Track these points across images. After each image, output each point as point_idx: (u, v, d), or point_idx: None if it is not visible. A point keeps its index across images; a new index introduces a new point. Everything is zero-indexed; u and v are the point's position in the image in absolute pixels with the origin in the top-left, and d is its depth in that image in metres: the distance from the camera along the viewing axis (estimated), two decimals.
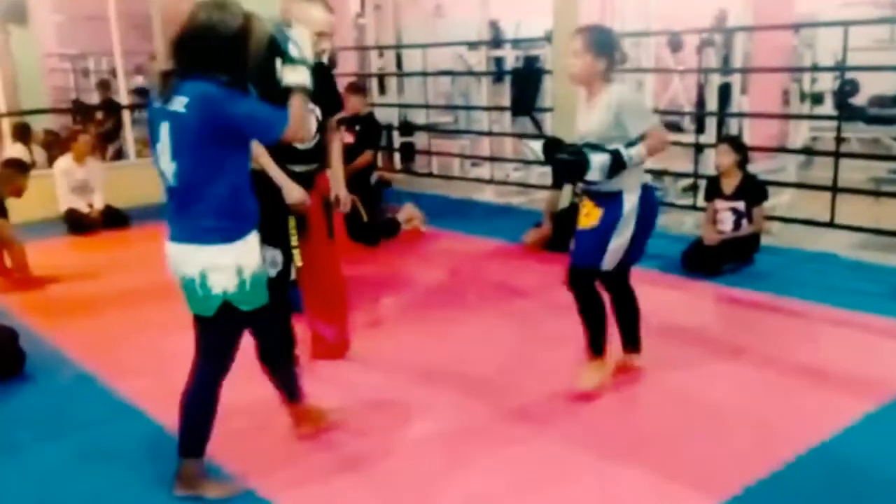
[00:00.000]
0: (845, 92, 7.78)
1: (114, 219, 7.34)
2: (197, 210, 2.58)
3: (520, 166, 9.03)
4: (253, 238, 2.68)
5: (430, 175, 9.35)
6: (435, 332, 4.48)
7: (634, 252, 3.46)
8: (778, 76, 8.10)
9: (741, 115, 7.77)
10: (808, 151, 8.14)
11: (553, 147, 3.47)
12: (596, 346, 3.52)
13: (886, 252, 5.63)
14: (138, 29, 10.48)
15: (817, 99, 8.81)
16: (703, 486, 2.81)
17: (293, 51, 2.64)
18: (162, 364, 4.04)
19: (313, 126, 3.50)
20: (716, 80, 7.34)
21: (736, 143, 5.67)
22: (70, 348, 4.31)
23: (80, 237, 7.12)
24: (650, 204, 3.44)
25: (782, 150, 7.60)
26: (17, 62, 10.37)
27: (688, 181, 7.16)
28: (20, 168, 5.85)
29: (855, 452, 3.02)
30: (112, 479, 2.99)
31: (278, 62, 2.69)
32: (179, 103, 2.48)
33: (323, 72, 3.51)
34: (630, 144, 3.27)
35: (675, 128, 9.59)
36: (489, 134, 8.92)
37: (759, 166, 6.60)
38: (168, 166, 2.56)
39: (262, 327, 2.88)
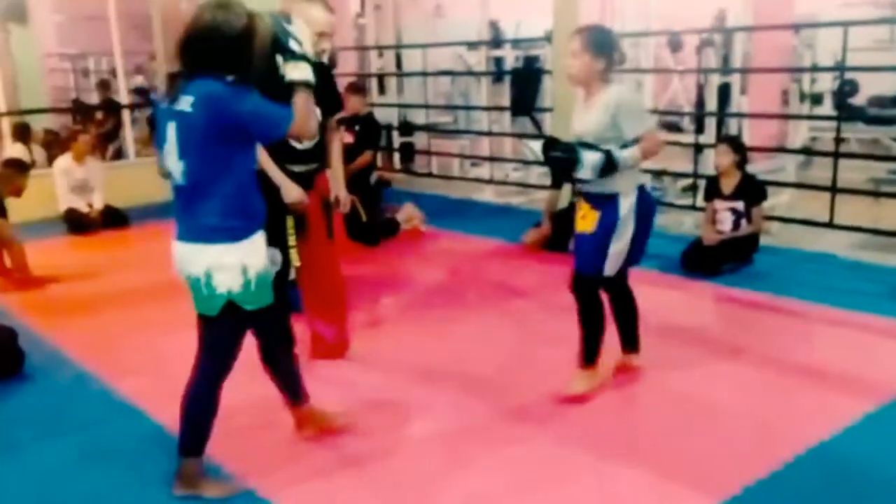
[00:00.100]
0: (845, 92, 7.78)
1: (113, 218, 7.34)
2: (203, 209, 2.58)
3: (519, 166, 9.03)
4: (259, 238, 2.68)
5: (429, 175, 9.35)
6: (434, 331, 4.48)
7: (634, 254, 3.45)
8: (777, 76, 8.10)
9: (740, 115, 7.77)
10: (807, 152, 8.14)
11: (552, 147, 3.47)
12: (589, 355, 3.52)
13: (885, 252, 5.63)
14: (138, 29, 10.48)
15: (817, 99, 8.81)
16: (703, 485, 2.81)
17: (294, 47, 2.64)
18: (161, 363, 4.05)
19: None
20: (715, 81, 7.34)
21: (735, 144, 5.67)
22: (69, 348, 4.32)
23: (80, 237, 7.12)
24: (647, 205, 3.43)
25: (781, 150, 7.61)
26: (17, 62, 10.37)
27: (687, 181, 7.17)
28: (20, 168, 5.85)
29: (854, 453, 3.03)
30: (111, 479, 2.99)
31: (279, 59, 2.70)
32: (185, 103, 2.49)
33: (323, 72, 3.51)
34: (625, 146, 3.26)
35: (675, 128, 9.61)
36: (489, 134, 8.92)
37: (759, 166, 6.60)
38: (175, 166, 2.58)
39: (265, 327, 2.89)
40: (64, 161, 7.34)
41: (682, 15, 9.46)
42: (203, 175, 2.56)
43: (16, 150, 7.80)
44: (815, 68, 8.43)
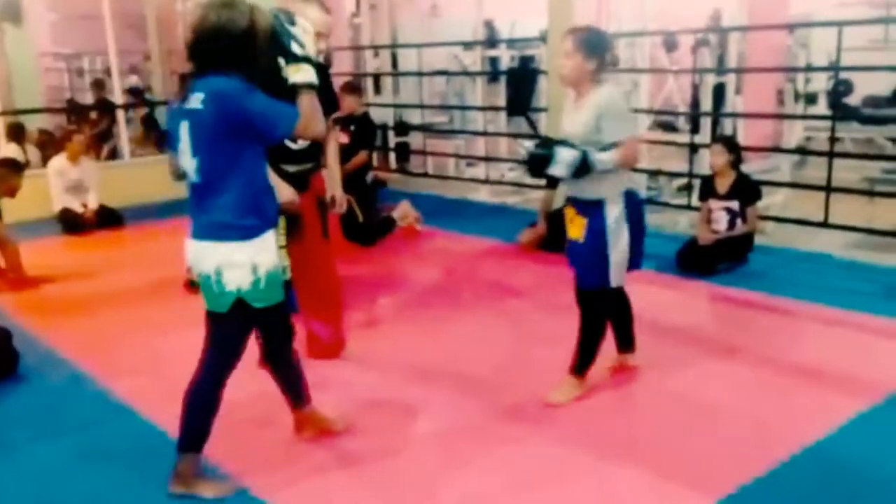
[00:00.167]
0: (839, 92, 7.81)
1: (108, 219, 7.32)
2: (216, 206, 2.62)
3: (515, 166, 9.03)
4: (270, 236, 2.71)
5: (425, 175, 9.34)
6: (430, 331, 4.48)
7: (633, 258, 3.42)
8: (772, 76, 8.12)
9: (735, 115, 7.78)
10: (802, 151, 8.16)
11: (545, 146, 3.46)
12: (581, 367, 3.51)
13: (880, 252, 5.65)
14: (133, 28, 10.48)
15: (811, 99, 8.84)
16: (700, 484, 2.82)
17: (296, 49, 2.65)
18: (156, 364, 4.04)
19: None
20: (710, 80, 7.35)
21: (730, 143, 5.68)
22: (64, 348, 4.30)
23: (75, 237, 7.10)
24: (637, 211, 3.40)
25: (776, 149, 7.62)
26: (11, 61, 10.35)
27: (682, 181, 7.17)
28: (14, 168, 5.82)
29: (849, 451, 3.03)
30: (106, 480, 2.99)
31: (281, 61, 2.70)
32: (196, 100, 2.55)
33: (320, 71, 3.50)
34: (605, 149, 3.23)
35: (670, 128, 9.62)
36: (484, 134, 8.92)
37: (754, 166, 6.61)
38: (189, 163, 2.62)
39: (272, 325, 2.90)
40: (58, 161, 7.32)
41: (677, 15, 9.48)
42: (215, 171, 2.60)
43: (10, 150, 7.79)
44: (809, 68, 8.45)
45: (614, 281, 3.37)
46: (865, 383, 3.60)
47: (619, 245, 3.32)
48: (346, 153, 6.02)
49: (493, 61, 9.93)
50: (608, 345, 3.63)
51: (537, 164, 3.32)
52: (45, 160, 8.02)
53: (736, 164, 5.54)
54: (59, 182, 7.25)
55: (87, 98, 12.09)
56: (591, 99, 3.30)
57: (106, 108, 10.10)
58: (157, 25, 11.64)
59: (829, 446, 3.06)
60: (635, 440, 3.18)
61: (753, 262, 5.48)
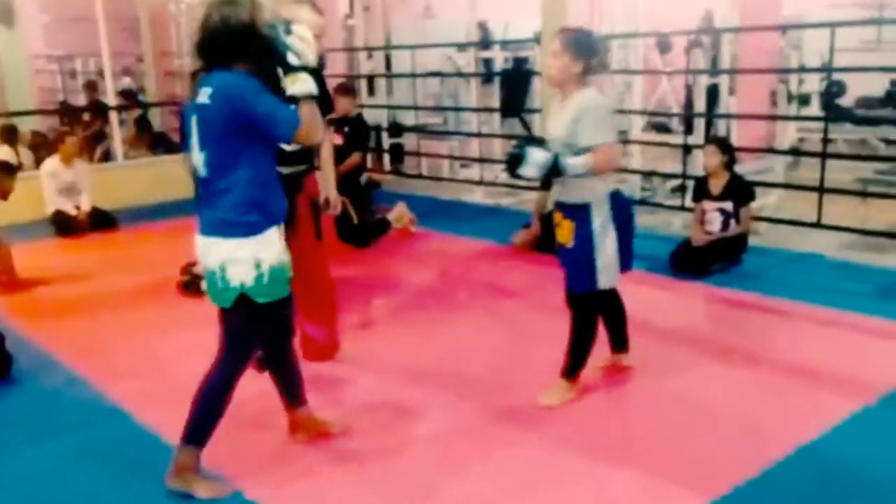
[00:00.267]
0: (832, 93, 7.83)
1: (101, 221, 7.30)
2: (222, 202, 2.68)
3: None
4: (273, 232, 2.74)
5: (419, 176, 9.34)
6: (425, 332, 4.48)
7: (624, 260, 3.42)
8: (765, 77, 8.14)
9: (729, 116, 7.81)
10: (795, 152, 8.18)
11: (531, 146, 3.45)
12: (572, 370, 3.51)
13: (873, 252, 5.67)
14: (126, 30, 10.45)
15: (804, 100, 8.87)
16: (695, 485, 2.82)
17: (293, 60, 2.67)
18: (151, 366, 4.03)
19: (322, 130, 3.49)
20: (703, 82, 7.37)
21: (723, 144, 5.69)
22: (57, 351, 4.29)
23: (68, 239, 7.07)
24: (624, 212, 3.38)
25: (770, 150, 7.64)
26: (3, 63, 10.32)
27: (676, 182, 7.19)
28: (7, 170, 5.80)
29: (843, 451, 3.04)
30: (100, 482, 2.98)
31: (279, 72, 2.72)
32: (204, 95, 2.62)
33: (314, 74, 3.50)
34: (578, 153, 3.21)
35: (664, 129, 9.64)
36: (478, 135, 8.92)
37: (747, 167, 6.63)
38: (198, 157, 2.69)
39: (275, 322, 2.91)
40: (51, 163, 7.30)
41: (670, 16, 9.50)
42: (221, 166, 2.66)
43: (3, 152, 7.75)
44: (802, 69, 8.48)
45: (603, 283, 3.37)
46: (859, 383, 3.60)
47: (605, 249, 3.32)
48: (340, 155, 6.00)
49: (487, 63, 9.93)
50: (600, 345, 3.64)
51: (511, 163, 3.33)
52: (37, 162, 7.99)
53: (729, 165, 5.55)
54: (51, 184, 7.23)
55: (80, 100, 12.05)
56: (574, 100, 3.29)
57: (99, 109, 10.07)
58: (150, 27, 11.62)
59: (823, 446, 3.07)
60: (630, 441, 3.18)
61: (747, 263, 5.49)
